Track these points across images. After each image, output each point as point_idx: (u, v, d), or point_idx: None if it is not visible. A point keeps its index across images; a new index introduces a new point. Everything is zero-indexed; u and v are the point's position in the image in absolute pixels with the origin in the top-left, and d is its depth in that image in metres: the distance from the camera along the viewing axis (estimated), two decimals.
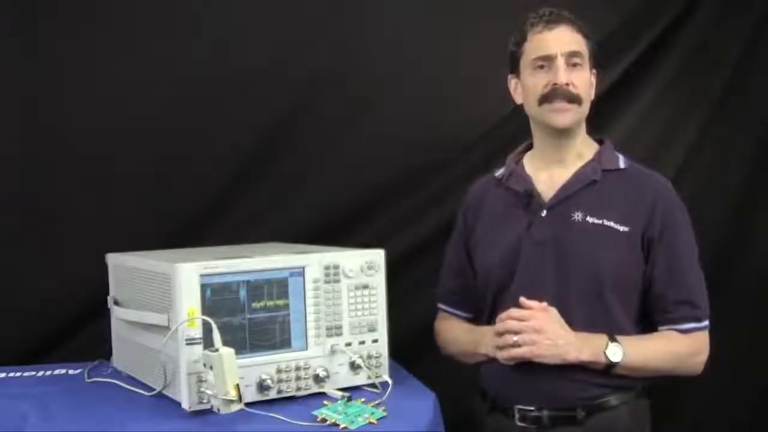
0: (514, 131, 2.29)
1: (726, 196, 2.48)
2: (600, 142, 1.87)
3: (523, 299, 1.72)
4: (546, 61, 1.77)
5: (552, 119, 1.78)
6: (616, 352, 1.69)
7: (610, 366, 1.70)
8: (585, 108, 1.80)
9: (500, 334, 1.74)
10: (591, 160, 1.82)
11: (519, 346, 1.70)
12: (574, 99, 1.76)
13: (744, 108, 2.49)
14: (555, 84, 1.75)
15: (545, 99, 1.77)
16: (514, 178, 1.87)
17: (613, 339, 1.71)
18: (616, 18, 2.43)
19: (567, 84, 1.75)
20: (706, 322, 1.78)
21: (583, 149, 1.84)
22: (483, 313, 1.90)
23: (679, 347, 1.76)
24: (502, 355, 1.73)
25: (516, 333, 1.70)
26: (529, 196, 1.82)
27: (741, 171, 2.51)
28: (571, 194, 1.79)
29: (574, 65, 1.77)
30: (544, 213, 1.79)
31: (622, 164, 1.82)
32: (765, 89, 2.48)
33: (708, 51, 2.48)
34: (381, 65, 2.36)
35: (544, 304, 1.71)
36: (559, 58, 1.75)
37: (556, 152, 1.83)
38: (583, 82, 1.77)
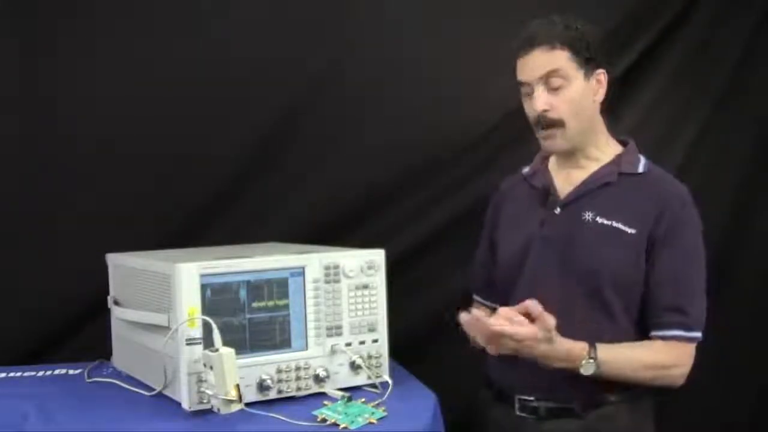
0: (515, 131, 2.30)
1: (726, 196, 2.49)
2: (624, 143, 1.88)
3: (531, 305, 1.65)
4: (526, 88, 1.79)
5: (544, 147, 1.83)
6: (588, 368, 1.67)
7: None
8: (575, 126, 1.78)
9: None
10: (609, 163, 1.83)
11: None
12: (554, 124, 1.77)
13: (744, 108, 2.50)
14: (536, 112, 1.77)
15: (534, 127, 1.80)
16: (537, 175, 1.90)
17: (591, 354, 1.68)
18: (616, 18, 2.43)
19: (545, 110, 1.76)
20: (697, 334, 1.75)
21: (602, 152, 1.85)
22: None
23: (659, 358, 1.74)
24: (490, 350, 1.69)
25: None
26: (546, 193, 1.84)
27: (741, 171, 2.51)
28: (585, 194, 1.81)
29: (555, 88, 1.75)
30: (557, 210, 1.82)
31: (641, 168, 1.82)
32: (765, 89, 2.49)
33: (708, 51, 2.48)
34: (381, 65, 2.36)
35: (539, 330, 1.64)
36: (536, 87, 1.76)
37: (572, 159, 1.85)
38: (564, 101, 1.75)
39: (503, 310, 1.68)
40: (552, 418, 1.77)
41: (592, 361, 1.68)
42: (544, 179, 1.88)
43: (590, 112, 1.81)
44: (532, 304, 1.63)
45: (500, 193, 2.01)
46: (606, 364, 1.69)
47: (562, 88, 1.75)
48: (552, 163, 1.91)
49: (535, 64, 1.75)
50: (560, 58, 1.74)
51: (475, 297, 2.05)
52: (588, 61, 1.77)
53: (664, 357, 1.74)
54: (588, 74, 1.77)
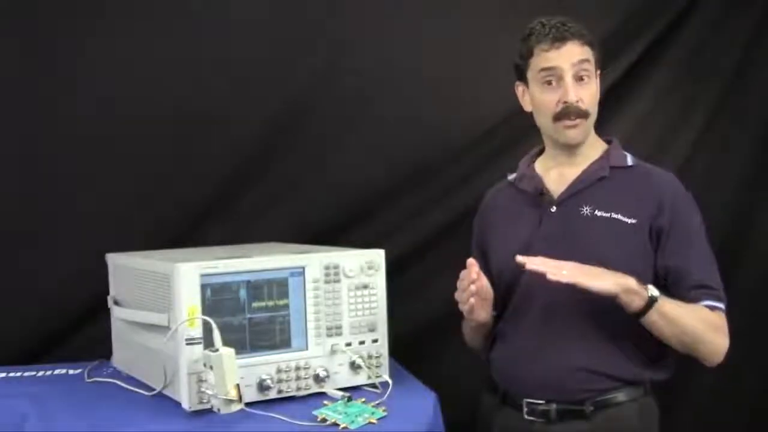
0: (514, 131, 2.31)
1: (726, 196, 2.49)
2: (608, 142, 1.90)
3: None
4: (553, 75, 1.78)
5: (564, 137, 1.82)
6: (653, 288, 1.68)
7: (650, 304, 1.67)
8: (593, 118, 1.83)
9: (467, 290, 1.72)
10: (599, 158, 1.85)
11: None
12: (583, 114, 1.79)
13: (744, 108, 2.50)
14: (566, 102, 1.78)
15: (557, 117, 1.80)
16: (526, 179, 1.90)
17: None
18: (616, 18, 2.43)
19: (577, 101, 1.77)
20: (724, 305, 1.77)
21: (592, 149, 1.87)
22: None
23: (708, 316, 1.74)
24: (551, 277, 1.64)
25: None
26: (539, 194, 1.85)
27: (741, 171, 2.51)
28: (580, 190, 1.82)
29: (581, 78, 1.78)
30: (553, 209, 1.82)
31: (629, 162, 1.86)
32: (765, 89, 2.49)
33: (708, 51, 2.48)
34: (380, 65, 2.36)
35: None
36: (567, 75, 1.77)
37: (566, 156, 1.87)
38: (591, 94, 1.80)
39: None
40: (562, 420, 1.76)
41: (655, 289, 1.67)
42: (534, 182, 1.88)
43: (596, 111, 1.84)
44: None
45: (486, 203, 2.00)
46: (665, 299, 1.68)
47: (587, 80, 1.79)
48: (539, 165, 1.91)
49: (570, 52, 1.78)
50: (588, 53, 1.80)
51: None
52: (597, 63, 1.83)
53: (714, 319, 1.74)
54: (597, 75, 1.83)
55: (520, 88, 1.89)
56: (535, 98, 1.83)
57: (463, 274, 1.73)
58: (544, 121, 1.84)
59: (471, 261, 1.72)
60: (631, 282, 1.67)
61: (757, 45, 2.49)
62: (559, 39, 1.77)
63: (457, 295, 1.76)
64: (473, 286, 1.71)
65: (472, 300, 1.72)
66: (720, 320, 1.76)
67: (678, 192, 1.81)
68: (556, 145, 1.87)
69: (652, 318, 1.68)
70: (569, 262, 1.68)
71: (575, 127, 1.79)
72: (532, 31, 1.81)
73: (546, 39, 1.78)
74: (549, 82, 1.79)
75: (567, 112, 1.78)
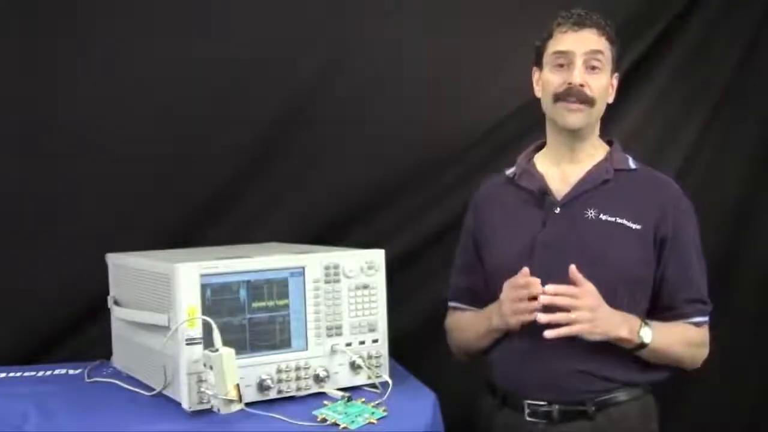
0: (514, 131, 2.31)
1: (726, 196, 2.49)
2: (609, 143, 1.90)
3: (574, 271, 1.69)
4: (565, 59, 1.79)
5: (563, 118, 1.81)
6: (647, 333, 1.72)
7: (641, 346, 1.73)
8: (598, 110, 1.82)
9: (526, 301, 1.73)
10: (603, 160, 1.85)
11: (563, 324, 1.67)
12: (587, 101, 1.79)
13: (744, 108, 2.50)
14: (570, 84, 1.78)
15: (559, 97, 1.80)
16: (527, 176, 1.88)
17: (645, 322, 1.74)
18: (616, 18, 2.42)
19: (582, 85, 1.77)
20: (708, 316, 1.83)
21: (595, 149, 1.87)
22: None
23: (694, 337, 1.81)
24: (550, 334, 1.67)
25: (563, 309, 1.68)
26: (542, 194, 1.84)
27: (741, 171, 2.51)
28: (585, 192, 1.81)
29: (593, 68, 1.79)
30: (557, 210, 1.81)
31: (632, 164, 1.86)
32: (765, 89, 2.49)
33: (708, 51, 2.49)
34: (381, 65, 2.36)
35: (590, 284, 1.70)
36: (577, 58, 1.78)
37: (568, 151, 1.86)
38: (599, 85, 1.80)
39: (547, 288, 1.69)
40: (564, 421, 1.77)
41: (647, 326, 1.73)
42: (536, 180, 1.86)
43: (603, 106, 1.84)
44: (572, 269, 1.68)
45: (481, 198, 1.97)
46: (656, 337, 1.73)
47: (598, 71, 1.80)
48: (540, 162, 1.90)
49: (585, 39, 1.79)
50: (604, 46, 1.81)
51: (454, 304, 1.99)
52: (613, 61, 1.84)
53: (699, 337, 1.81)
54: (611, 73, 1.84)
55: (536, 74, 1.89)
56: (544, 79, 1.84)
57: (517, 283, 1.73)
58: (546, 103, 1.84)
59: (526, 270, 1.72)
60: (623, 331, 1.71)
61: (757, 45, 2.49)
62: (578, 24, 1.79)
63: (511, 308, 1.75)
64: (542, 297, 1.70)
65: (535, 314, 1.70)
66: (704, 335, 1.82)
67: (680, 200, 1.82)
68: (558, 136, 1.85)
69: (644, 353, 1.75)
70: (590, 294, 1.68)
71: (576, 112, 1.79)
72: (557, 16, 1.83)
73: (566, 23, 1.80)
74: (560, 65, 1.80)
75: (569, 93, 1.78)
